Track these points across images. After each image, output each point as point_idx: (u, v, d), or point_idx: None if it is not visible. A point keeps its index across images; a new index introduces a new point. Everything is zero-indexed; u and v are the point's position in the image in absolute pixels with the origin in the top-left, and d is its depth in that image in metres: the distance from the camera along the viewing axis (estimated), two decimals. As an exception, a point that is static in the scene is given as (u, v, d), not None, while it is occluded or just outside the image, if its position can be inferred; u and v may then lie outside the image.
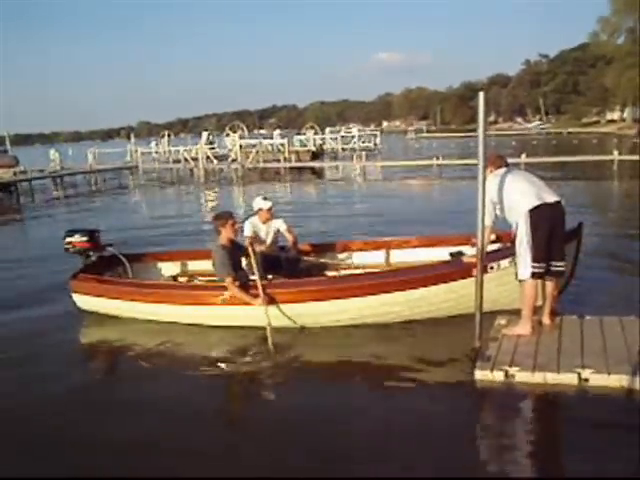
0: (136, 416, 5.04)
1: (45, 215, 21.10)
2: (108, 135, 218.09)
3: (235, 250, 6.88)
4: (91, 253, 7.98)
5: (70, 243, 7.83)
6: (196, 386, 5.60)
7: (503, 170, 5.87)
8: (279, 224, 7.96)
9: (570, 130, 75.59)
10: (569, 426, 4.52)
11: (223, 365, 5.98)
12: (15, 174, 31.38)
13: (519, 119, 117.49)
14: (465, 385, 5.08)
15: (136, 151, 42.86)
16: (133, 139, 46.76)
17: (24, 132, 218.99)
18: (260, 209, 7.83)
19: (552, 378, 4.91)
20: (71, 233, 7.88)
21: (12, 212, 23.30)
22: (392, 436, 4.44)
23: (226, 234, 6.77)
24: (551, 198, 5.57)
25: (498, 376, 5.04)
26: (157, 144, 45.96)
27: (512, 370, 5.04)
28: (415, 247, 8.16)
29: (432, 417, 4.67)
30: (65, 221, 18.72)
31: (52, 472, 4.25)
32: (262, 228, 7.85)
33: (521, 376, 5.00)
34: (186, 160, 37.85)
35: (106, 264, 8.09)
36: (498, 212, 5.78)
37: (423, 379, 5.33)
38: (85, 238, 7.81)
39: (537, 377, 4.95)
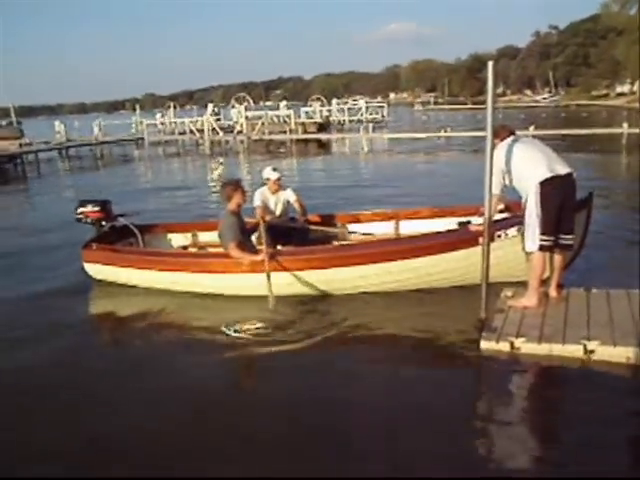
0: (145, 389, 5.05)
1: (51, 187, 21.16)
2: (113, 107, 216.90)
3: (242, 219, 6.96)
4: (103, 223, 8.04)
5: (82, 213, 7.91)
6: (205, 355, 5.60)
7: (512, 139, 5.77)
8: (288, 194, 7.99)
9: (579, 102, 74.70)
10: (574, 397, 4.50)
11: (232, 335, 5.97)
12: (21, 146, 31.30)
13: (528, 91, 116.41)
14: (470, 356, 5.07)
15: (141, 123, 42.67)
16: (139, 111, 46.40)
17: (28, 104, 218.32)
18: (268, 179, 7.87)
19: (558, 349, 4.90)
20: (84, 203, 7.96)
21: (18, 184, 23.34)
22: (394, 408, 4.42)
23: (236, 200, 6.83)
24: (563, 170, 5.46)
25: (504, 347, 5.02)
26: (162, 116, 45.72)
27: (518, 341, 5.02)
28: (424, 218, 8.12)
29: (436, 387, 4.66)
30: (71, 193, 18.77)
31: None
32: (271, 198, 7.88)
33: (527, 347, 4.98)
34: (192, 132, 37.71)
35: (118, 234, 8.15)
36: (507, 182, 5.70)
37: (428, 349, 5.35)
38: (97, 208, 7.89)
39: (543, 348, 4.93)
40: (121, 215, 8.21)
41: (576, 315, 5.42)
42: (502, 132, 5.84)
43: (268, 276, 6.27)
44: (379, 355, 5.35)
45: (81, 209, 7.90)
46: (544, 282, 5.84)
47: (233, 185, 6.94)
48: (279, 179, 7.87)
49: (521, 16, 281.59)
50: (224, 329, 5.92)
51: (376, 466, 3.74)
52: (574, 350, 4.86)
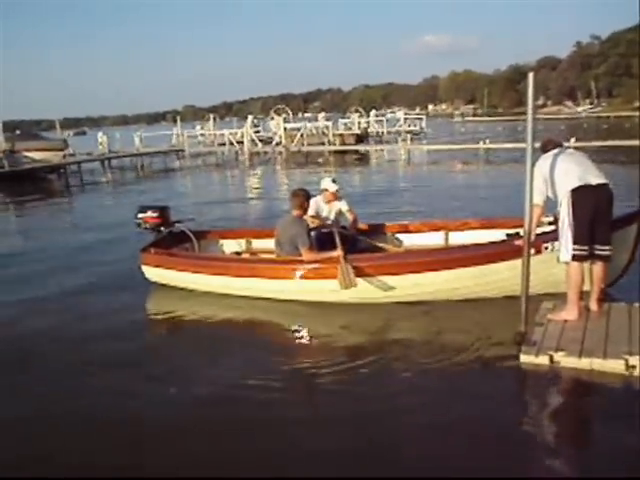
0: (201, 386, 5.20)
1: (93, 197, 21.69)
2: (154, 119, 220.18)
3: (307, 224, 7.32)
4: (162, 229, 8.28)
5: (142, 219, 8.16)
6: (262, 357, 5.78)
7: (556, 151, 5.82)
8: (341, 204, 8.18)
9: (618, 114, 73.04)
10: (615, 414, 4.44)
11: (289, 339, 6.23)
12: (64, 157, 31.88)
13: (568, 102, 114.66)
14: (510, 369, 5.06)
15: (182, 134, 43.22)
16: (179, 123, 47.04)
17: (72, 116, 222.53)
18: (326, 190, 8.07)
19: (598, 364, 4.85)
20: (143, 209, 8.23)
21: (62, 194, 23.92)
22: (431, 420, 4.42)
23: (304, 208, 7.22)
24: (595, 180, 5.47)
25: (543, 361, 4.99)
26: (202, 127, 46.22)
27: (557, 355, 4.98)
28: (473, 229, 8.13)
29: (474, 400, 4.65)
30: (114, 203, 19.17)
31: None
32: (324, 208, 8.09)
33: (567, 361, 4.94)
34: (231, 143, 38.03)
35: (175, 240, 8.41)
36: (549, 193, 5.71)
37: (467, 361, 5.32)
38: (156, 214, 8.15)
39: (583, 363, 4.89)
40: (178, 221, 8.46)
41: (618, 329, 5.35)
42: (548, 144, 5.95)
43: (345, 267, 6.44)
44: (416, 366, 5.33)
45: (141, 215, 8.16)
46: (585, 295, 5.78)
47: (304, 194, 7.25)
48: (337, 191, 8.08)
49: (562, 26, 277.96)
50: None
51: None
52: (615, 365, 4.80)
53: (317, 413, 4.74)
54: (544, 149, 5.94)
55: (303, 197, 7.20)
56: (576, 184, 5.41)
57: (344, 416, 4.59)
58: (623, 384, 4.69)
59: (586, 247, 5.43)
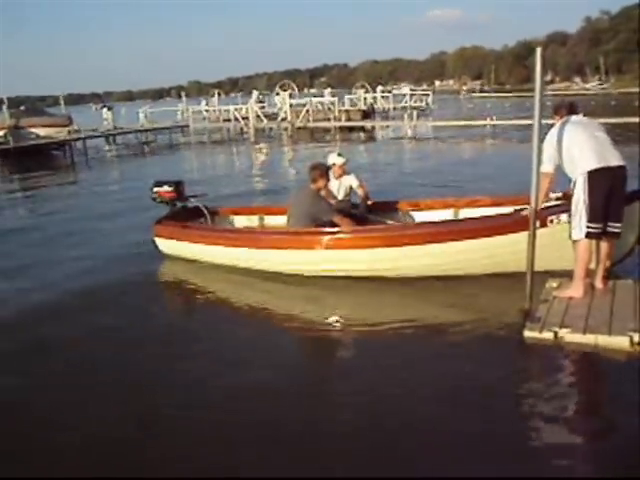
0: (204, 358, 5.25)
1: (98, 173, 21.64)
2: (159, 95, 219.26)
3: None
4: (176, 203, 8.39)
5: (157, 193, 8.25)
6: (266, 332, 5.87)
7: (572, 118, 5.68)
8: (351, 180, 8.21)
9: (621, 90, 72.04)
10: (619, 390, 4.44)
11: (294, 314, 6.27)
12: (69, 133, 31.86)
13: (577, 79, 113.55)
14: (513, 345, 5.06)
15: (187, 110, 43.08)
16: (184, 98, 46.87)
17: (77, 92, 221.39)
18: (334, 164, 8.08)
19: (603, 341, 4.83)
20: (159, 184, 8.31)
21: (67, 169, 23.94)
22: (436, 396, 4.42)
23: (323, 183, 7.18)
24: (615, 161, 5.35)
25: (547, 337, 4.98)
26: (207, 103, 46.05)
27: (562, 331, 4.96)
28: (484, 206, 8.01)
29: (478, 375, 4.63)
30: (119, 178, 19.16)
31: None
32: (335, 183, 8.11)
33: (571, 338, 4.93)
34: (236, 119, 37.89)
35: (189, 214, 8.49)
36: (563, 166, 5.58)
37: (470, 337, 5.31)
38: (171, 188, 8.22)
39: (587, 339, 4.87)
40: (193, 196, 8.55)
41: (623, 307, 5.32)
42: (562, 110, 5.80)
43: None
44: (421, 340, 5.35)
45: (156, 189, 8.25)
46: (590, 273, 5.74)
47: (323, 169, 7.27)
48: (343, 165, 8.10)
49: (571, 1, 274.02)
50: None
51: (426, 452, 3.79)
52: (620, 342, 4.78)
53: (324, 387, 4.77)
54: (557, 112, 5.78)
55: (320, 172, 7.17)
56: (594, 166, 5.27)
57: (353, 388, 4.60)
58: (627, 361, 4.67)
59: (600, 225, 5.36)
